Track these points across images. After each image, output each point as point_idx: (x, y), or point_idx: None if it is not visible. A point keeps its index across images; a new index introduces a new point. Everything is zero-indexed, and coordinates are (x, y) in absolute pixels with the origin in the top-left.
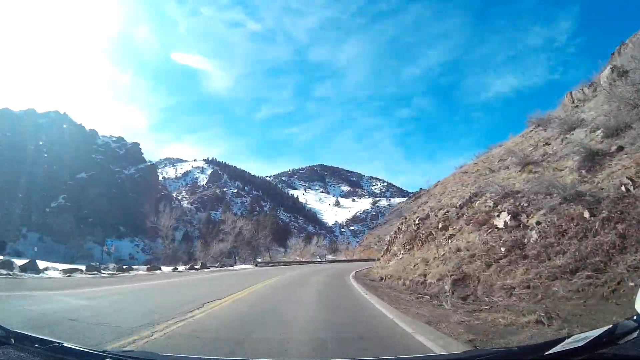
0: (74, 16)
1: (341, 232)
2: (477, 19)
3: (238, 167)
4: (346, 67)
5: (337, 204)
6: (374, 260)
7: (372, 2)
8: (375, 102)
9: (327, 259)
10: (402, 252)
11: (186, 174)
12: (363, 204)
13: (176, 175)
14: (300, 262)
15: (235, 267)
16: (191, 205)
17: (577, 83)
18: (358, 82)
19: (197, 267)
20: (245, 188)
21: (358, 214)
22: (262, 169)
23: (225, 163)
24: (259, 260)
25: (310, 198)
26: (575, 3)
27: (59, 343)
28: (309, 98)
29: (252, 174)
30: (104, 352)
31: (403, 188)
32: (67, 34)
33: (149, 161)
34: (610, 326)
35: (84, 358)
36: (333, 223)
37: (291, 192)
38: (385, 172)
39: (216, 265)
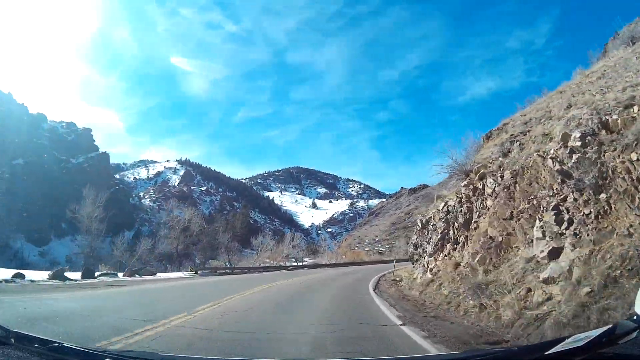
0: (49, 14)
1: (318, 234)
2: (457, 21)
3: (212, 168)
4: (324, 70)
5: (314, 205)
6: (366, 263)
7: (350, 5)
8: (352, 105)
9: (305, 263)
10: (542, 237)
11: (158, 174)
12: (340, 206)
13: (148, 176)
14: (267, 268)
15: (160, 276)
16: (154, 203)
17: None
18: (336, 85)
19: (71, 276)
20: (219, 189)
21: (335, 215)
22: (240, 172)
23: (198, 164)
24: (216, 264)
25: (286, 200)
26: (555, 6)
27: (59, 343)
28: (286, 101)
29: (227, 175)
30: (104, 352)
31: (380, 190)
32: (43, 30)
33: (118, 162)
34: (610, 326)
35: (84, 358)
36: (310, 225)
37: (267, 194)
38: (363, 175)
39: (121, 273)
